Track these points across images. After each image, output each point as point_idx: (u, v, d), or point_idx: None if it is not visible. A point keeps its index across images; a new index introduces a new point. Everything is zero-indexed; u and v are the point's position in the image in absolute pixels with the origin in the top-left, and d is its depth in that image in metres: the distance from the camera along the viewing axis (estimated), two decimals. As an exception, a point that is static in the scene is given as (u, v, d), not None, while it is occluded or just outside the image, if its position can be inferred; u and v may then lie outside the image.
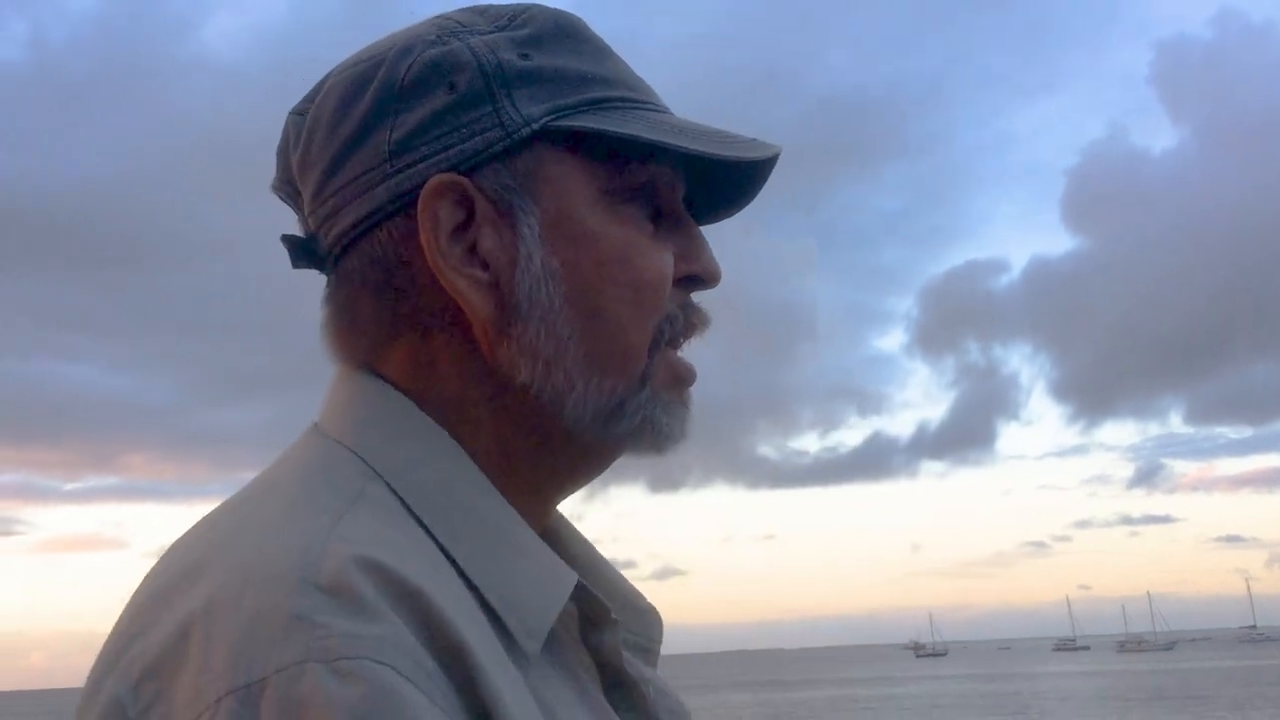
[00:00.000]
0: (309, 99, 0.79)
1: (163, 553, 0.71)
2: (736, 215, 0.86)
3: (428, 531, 0.68)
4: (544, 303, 0.73)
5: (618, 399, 0.74)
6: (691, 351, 0.80)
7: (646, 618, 0.84)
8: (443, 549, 0.68)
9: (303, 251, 0.78)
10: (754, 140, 0.79)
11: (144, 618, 0.63)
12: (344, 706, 0.54)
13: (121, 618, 0.66)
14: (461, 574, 0.68)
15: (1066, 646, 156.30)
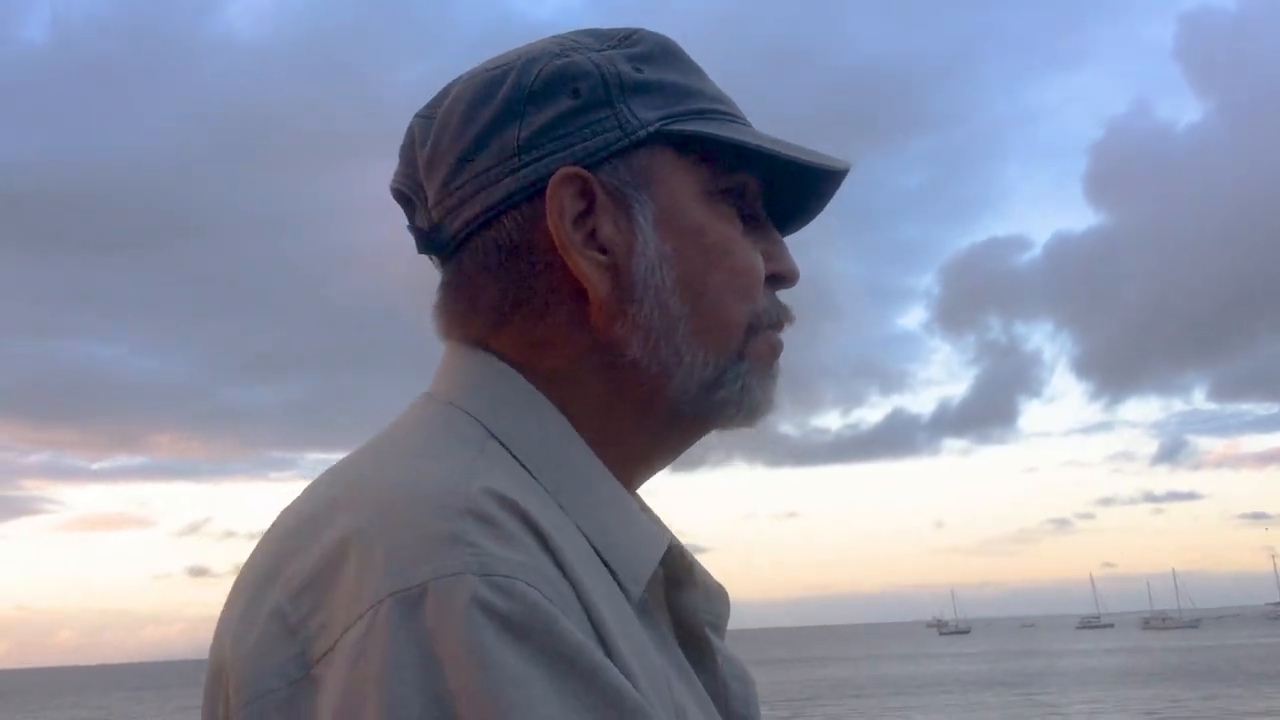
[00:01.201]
0: (434, 104, 0.87)
1: (297, 497, 0.79)
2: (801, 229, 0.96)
3: (540, 485, 0.76)
4: (657, 284, 0.81)
5: (719, 370, 0.83)
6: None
7: (716, 595, 0.89)
8: (557, 503, 0.76)
9: (427, 241, 0.87)
10: (829, 157, 0.89)
11: (297, 540, 0.71)
12: (500, 614, 0.62)
13: (267, 546, 0.74)
14: (572, 523, 0.76)
15: (1091, 624, 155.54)
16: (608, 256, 0.81)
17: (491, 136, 0.82)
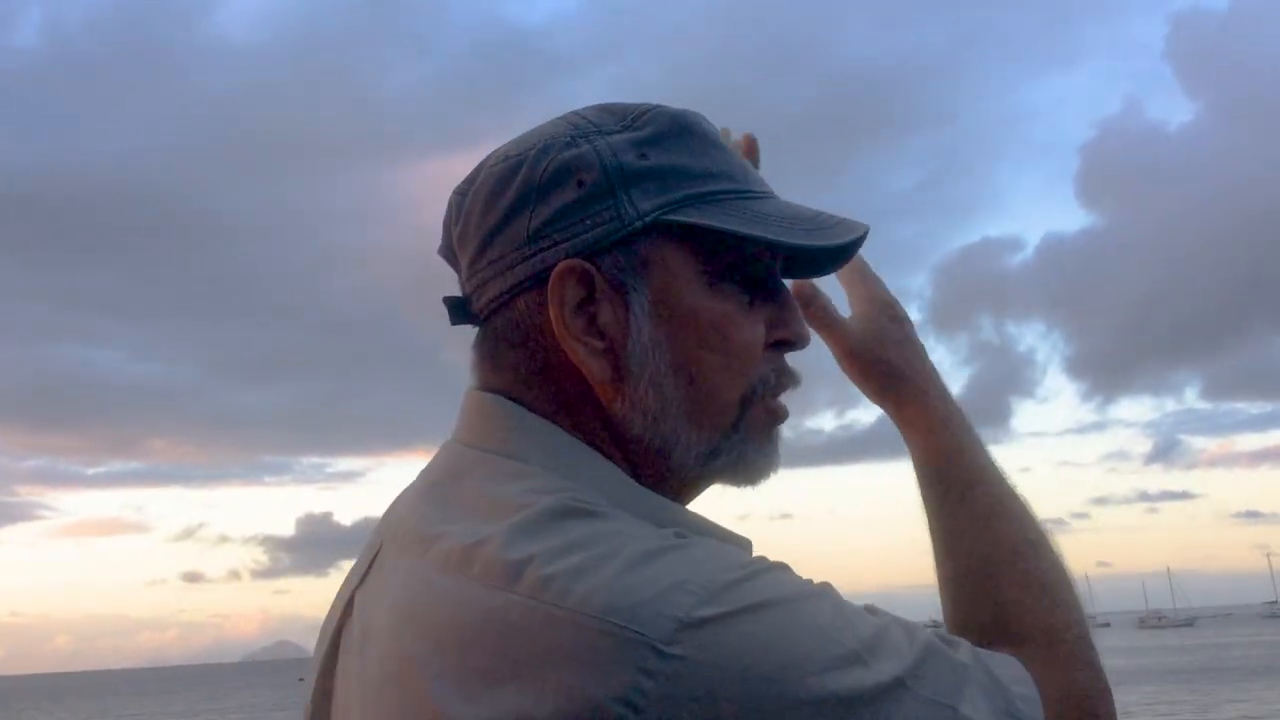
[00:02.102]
0: (469, 181, 0.95)
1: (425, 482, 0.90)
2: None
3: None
4: (651, 367, 0.87)
5: (715, 443, 0.90)
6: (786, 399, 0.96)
7: None
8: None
9: (460, 310, 0.95)
10: (842, 221, 0.93)
11: (508, 507, 0.79)
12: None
13: (467, 536, 0.79)
14: None
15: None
16: (605, 341, 0.87)
17: (507, 225, 0.89)
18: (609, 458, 0.88)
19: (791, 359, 0.95)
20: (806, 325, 0.96)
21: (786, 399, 0.95)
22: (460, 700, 0.71)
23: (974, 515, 1.01)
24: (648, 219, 0.87)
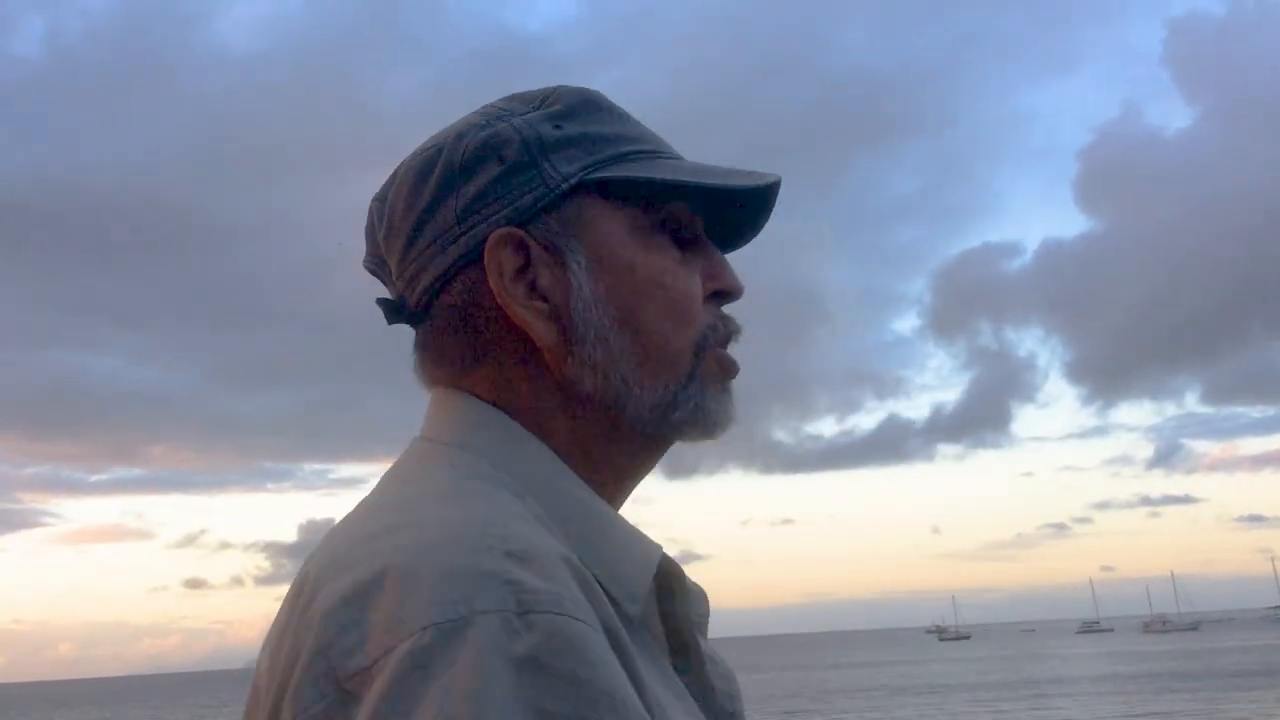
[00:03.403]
0: (386, 188, 0.95)
1: (328, 534, 0.84)
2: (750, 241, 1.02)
3: (546, 516, 0.82)
4: (596, 323, 0.88)
5: (670, 394, 0.89)
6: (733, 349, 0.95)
7: (696, 597, 0.93)
8: (559, 530, 0.81)
9: (394, 311, 0.95)
10: (753, 172, 0.95)
11: (336, 566, 0.74)
12: (536, 651, 0.65)
13: (300, 582, 0.77)
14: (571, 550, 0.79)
15: (1091, 628, 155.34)
16: (548, 304, 0.88)
17: (433, 212, 0.90)
18: (556, 428, 0.89)
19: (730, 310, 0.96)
20: (739, 276, 0.96)
21: (733, 351, 0.95)
22: None
23: None
24: (573, 180, 0.89)
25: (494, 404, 0.89)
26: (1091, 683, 43.92)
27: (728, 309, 0.95)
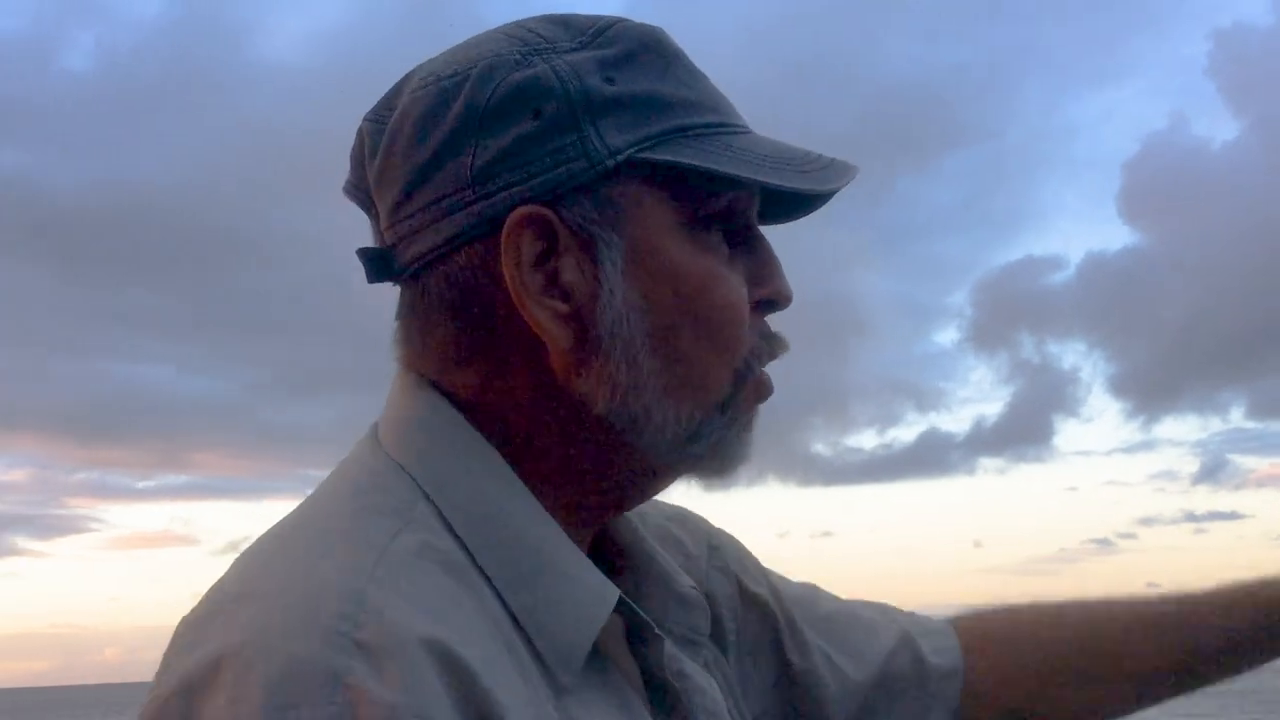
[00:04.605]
0: (386, 106, 0.78)
1: (234, 558, 0.73)
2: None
3: (468, 554, 0.70)
4: (625, 336, 0.73)
5: (695, 425, 0.75)
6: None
7: (693, 608, 0.84)
8: (481, 572, 0.70)
9: (379, 264, 0.78)
10: (833, 162, 0.79)
11: (189, 637, 0.64)
12: None
13: (178, 627, 0.67)
14: (500, 599, 0.70)
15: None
16: (569, 304, 0.73)
17: (443, 161, 0.73)
18: (543, 444, 0.75)
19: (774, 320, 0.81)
20: (789, 283, 0.81)
21: (772, 370, 0.81)
22: None
23: None
24: (620, 157, 0.72)
25: (471, 403, 0.75)
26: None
27: (773, 319, 0.81)
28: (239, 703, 0.58)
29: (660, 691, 0.78)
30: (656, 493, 0.81)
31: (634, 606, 0.75)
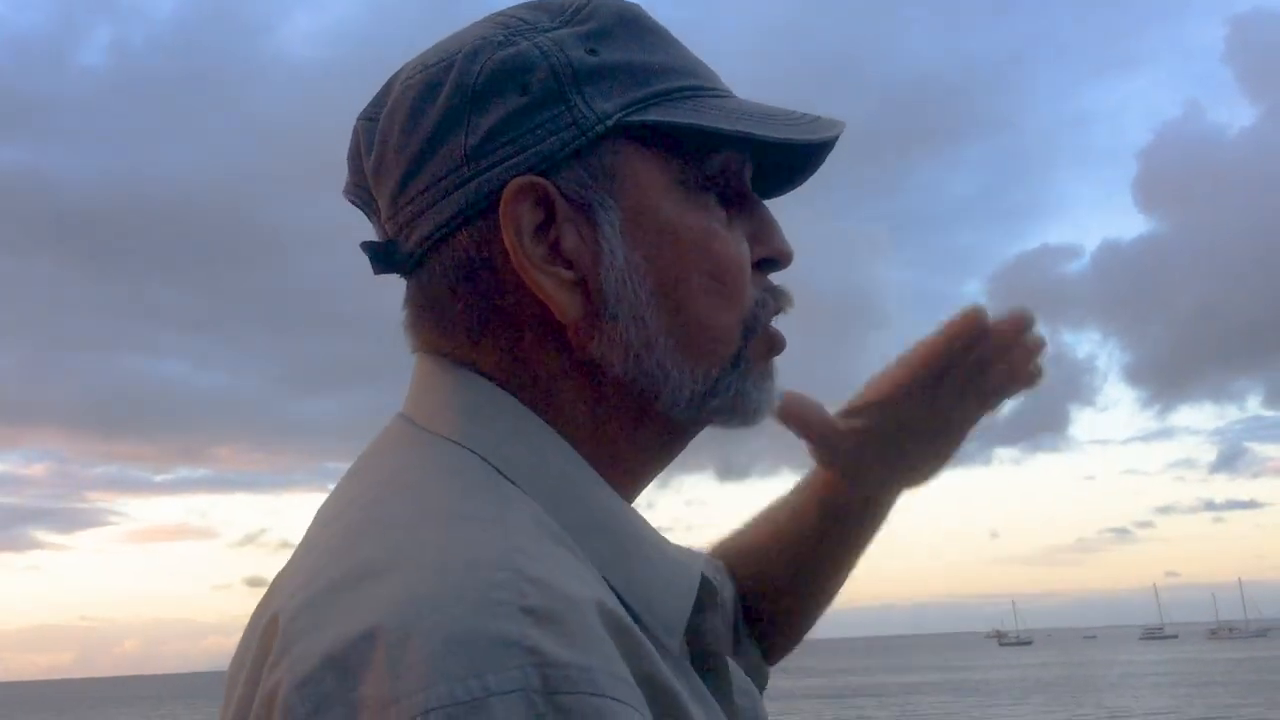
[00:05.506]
0: (378, 104, 0.79)
1: (297, 554, 0.71)
2: (805, 193, 0.87)
3: (563, 533, 0.69)
4: (630, 297, 0.73)
5: (711, 380, 0.76)
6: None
7: (722, 580, 0.88)
8: (577, 549, 0.69)
9: (383, 257, 0.79)
10: (818, 118, 0.80)
11: (312, 613, 0.60)
12: None
13: (280, 609, 0.63)
14: (598, 573, 0.69)
15: (1154, 635, 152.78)
16: (574, 271, 0.73)
17: (438, 145, 0.74)
18: (573, 413, 0.75)
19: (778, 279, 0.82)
20: (789, 241, 0.81)
21: (780, 324, 0.81)
22: None
23: None
24: (609, 122, 0.73)
25: (502, 384, 0.75)
26: (1169, 689, 43.18)
27: (776, 277, 0.81)
28: (403, 674, 0.54)
29: (701, 660, 0.77)
30: (677, 453, 0.81)
31: (706, 576, 0.75)
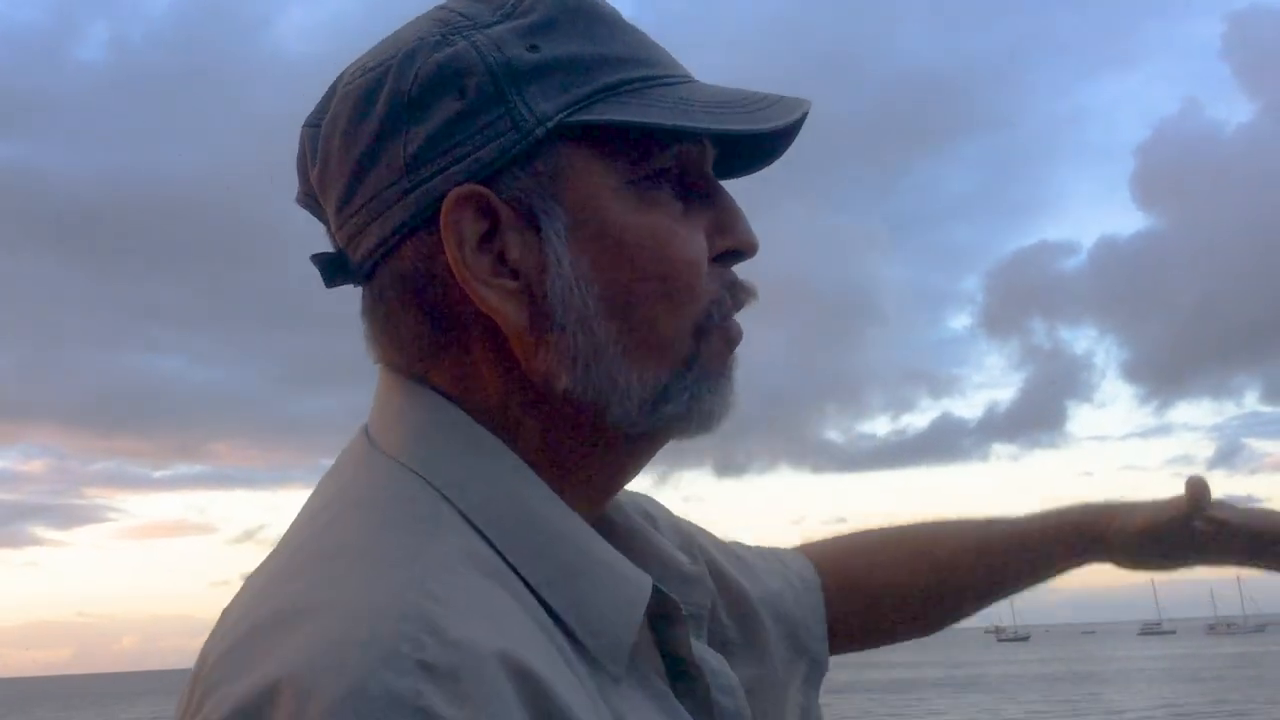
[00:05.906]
0: (321, 110, 0.77)
1: (247, 581, 0.70)
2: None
3: (498, 553, 0.68)
4: (578, 306, 0.71)
5: (662, 384, 0.73)
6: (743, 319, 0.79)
7: (695, 585, 0.84)
8: (514, 570, 0.67)
9: (335, 268, 0.77)
10: (781, 99, 0.76)
11: (233, 663, 0.60)
12: None
13: (210, 650, 0.63)
14: (536, 596, 0.67)
15: (1153, 630, 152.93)
16: (519, 281, 0.71)
17: (377, 156, 0.72)
18: (526, 430, 0.73)
19: (741, 270, 0.78)
20: (753, 230, 0.77)
21: (741, 317, 0.77)
22: None
23: None
24: (550, 124, 0.70)
25: (456, 398, 0.73)
26: (1167, 684, 43.25)
27: (739, 268, 0.78)
28: None
29: (679, 672, 0.77)
30: (643, 464, 0.78)
31: (663, 590, 0.73)
